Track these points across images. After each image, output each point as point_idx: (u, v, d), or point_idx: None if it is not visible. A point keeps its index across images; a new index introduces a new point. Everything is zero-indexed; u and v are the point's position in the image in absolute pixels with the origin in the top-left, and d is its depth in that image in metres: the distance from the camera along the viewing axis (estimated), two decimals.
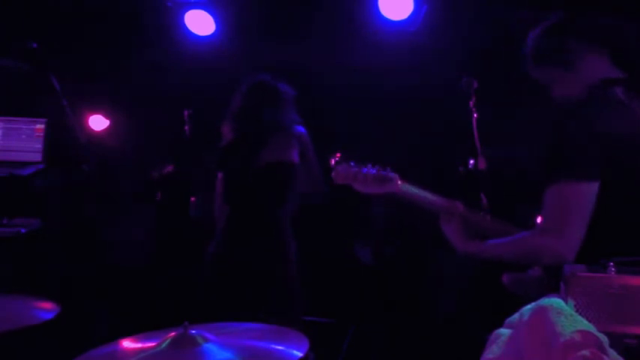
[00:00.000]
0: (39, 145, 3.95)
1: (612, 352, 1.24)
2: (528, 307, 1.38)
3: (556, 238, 1.65)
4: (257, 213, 2.98)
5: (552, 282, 1.63)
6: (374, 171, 2.05)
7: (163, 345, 1.45)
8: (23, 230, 3.31)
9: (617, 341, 1.29)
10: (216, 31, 4.00)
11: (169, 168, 4.05)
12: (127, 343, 1.58)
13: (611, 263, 1.39)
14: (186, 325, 1.47)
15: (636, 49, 1.84)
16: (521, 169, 3.13)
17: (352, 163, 2.08)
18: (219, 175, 3.11)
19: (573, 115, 1.71)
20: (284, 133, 3.01)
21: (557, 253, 1.64)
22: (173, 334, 1.47)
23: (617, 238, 1.67)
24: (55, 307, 1.85)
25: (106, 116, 4.27)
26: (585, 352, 1.19)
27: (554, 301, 1.34)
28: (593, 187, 1.63)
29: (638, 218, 1.68)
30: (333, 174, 2.10)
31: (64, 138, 3.92)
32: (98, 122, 4.26)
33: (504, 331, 1.43)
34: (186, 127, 3.97)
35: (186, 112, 3.98)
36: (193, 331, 1.47)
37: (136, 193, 4.21)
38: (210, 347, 1.44)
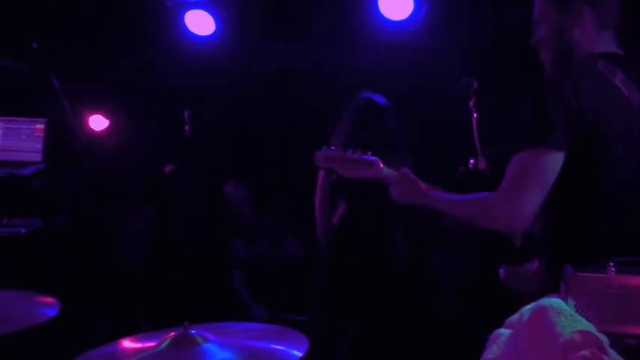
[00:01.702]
0: (39, 145, 3.94)
1: (612, 352, 1.24)
2: (528, 307, 1.38)
3: (510, 203, 1.64)
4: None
5: (550, 278, 1.63)
6: (355, 155, 2.05)
7: (163, 345, 1.45)
8: (23, 230, 3.32)
9: (617, 341, 1.29)
10: (216, 31, 4.00)
11: (169, 167, 4.05)
12: (127, 343, 1.58)
13: (611, 263, 1.39)
14: (186, 325, 1.47)
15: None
16: None
17: (332, 148, 2.07)
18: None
19: (552, 88, 1.69)
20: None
21: (508, 218, 1.65)
22: (173, 334, 1.47)
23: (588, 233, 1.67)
24: (55, 302, 1.85)
25: (106, 116, 4.27)
26: (585, 352, 1.19)
27: (554, 301, 1.34)
28: (556, 158, 1.62)
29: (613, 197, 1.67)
30: (315, 157, 2.08)
31: (64, 138, 3.92)
32: (98, 122, 4.26)
33: (504, 331, 1.43)
34: (186, 127, 3.97)
35: (186, 112, 3.98)
36: (193, 331, 1.47)
37: (136, 193, 4.21)
38: (210, 347, 1.44)
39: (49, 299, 1.89)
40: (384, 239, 3.03)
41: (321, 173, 3.09)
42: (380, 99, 3.11)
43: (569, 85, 1.66)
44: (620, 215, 1.68)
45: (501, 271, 1.94)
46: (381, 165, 2.04)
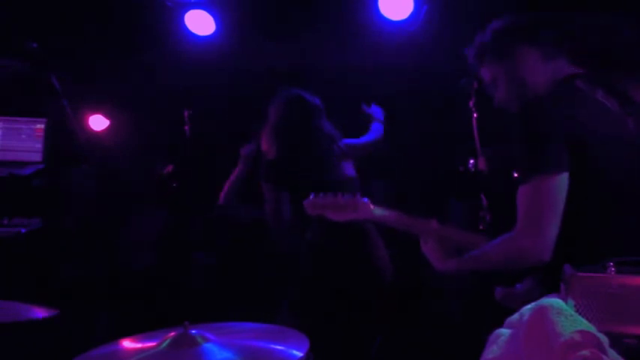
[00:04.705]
0: (39, 145, 3.95)
1: (612, 352, 1.24)
2: (528, 307, 1.38)
3: (534, 237, 1.62)
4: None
5: (543, 289, 1.63)
6: (345, 199, 2.07)
7: (163, 345, 1.45)
8: (23, 230, 3.32)
9: (617, 341, 1.30)
10: (216, 31, 4.00)
11: (169, 168, 4.05)
12: (127, 343, 1.58)
13: (611, 263, 1.39)
14: (186, 325, 1.47)
15: (592, 45, 1.82)
16: None
17: (322, 194, 2.10)
18: (272, 189, 2.94)
19: (535, 108, 1.69)
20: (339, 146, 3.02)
21: (536, 252, 1.62)
22: (173, 334, 1.47)
23: (587, 236, 1.67)
24: (51, 311, 1.85)
25: (106, 116, 4.28)
26: (585, 352, 1.19)
27: (554, 301, 1.34)
28: (564, 179, 1.61)
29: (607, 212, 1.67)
30: (305, 205, 2.11)
31: (64, 138, 3.92)
32: (98, 122, 4.26)
33: (504, 331, 1.43)
34: (186, 127, 3.97)
35: (186, 112, 3.98)
36: (193, 331, 1.47)
37: (136, 194, 4.21)
38: (210, 347, 1.44)
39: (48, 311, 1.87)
40: (368, 251, 2.94)
41: (267, 189, 2.95)
42: (311, 98, 3.03)
43: (555, 106, 1.67)
44: (619, 215, 1.68)
45: (496, 293, 1.95)
46: (371, 206, 2.06)
